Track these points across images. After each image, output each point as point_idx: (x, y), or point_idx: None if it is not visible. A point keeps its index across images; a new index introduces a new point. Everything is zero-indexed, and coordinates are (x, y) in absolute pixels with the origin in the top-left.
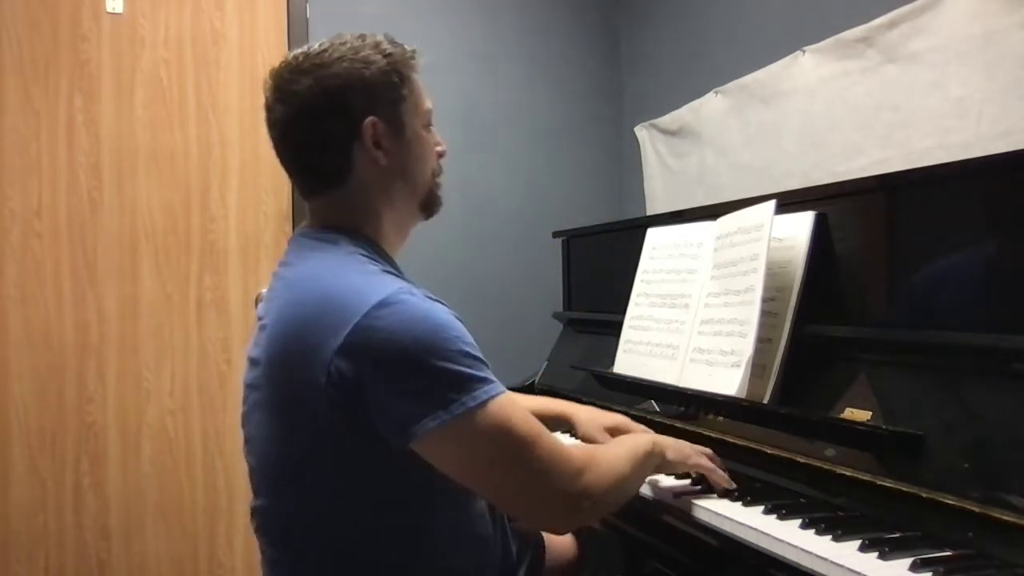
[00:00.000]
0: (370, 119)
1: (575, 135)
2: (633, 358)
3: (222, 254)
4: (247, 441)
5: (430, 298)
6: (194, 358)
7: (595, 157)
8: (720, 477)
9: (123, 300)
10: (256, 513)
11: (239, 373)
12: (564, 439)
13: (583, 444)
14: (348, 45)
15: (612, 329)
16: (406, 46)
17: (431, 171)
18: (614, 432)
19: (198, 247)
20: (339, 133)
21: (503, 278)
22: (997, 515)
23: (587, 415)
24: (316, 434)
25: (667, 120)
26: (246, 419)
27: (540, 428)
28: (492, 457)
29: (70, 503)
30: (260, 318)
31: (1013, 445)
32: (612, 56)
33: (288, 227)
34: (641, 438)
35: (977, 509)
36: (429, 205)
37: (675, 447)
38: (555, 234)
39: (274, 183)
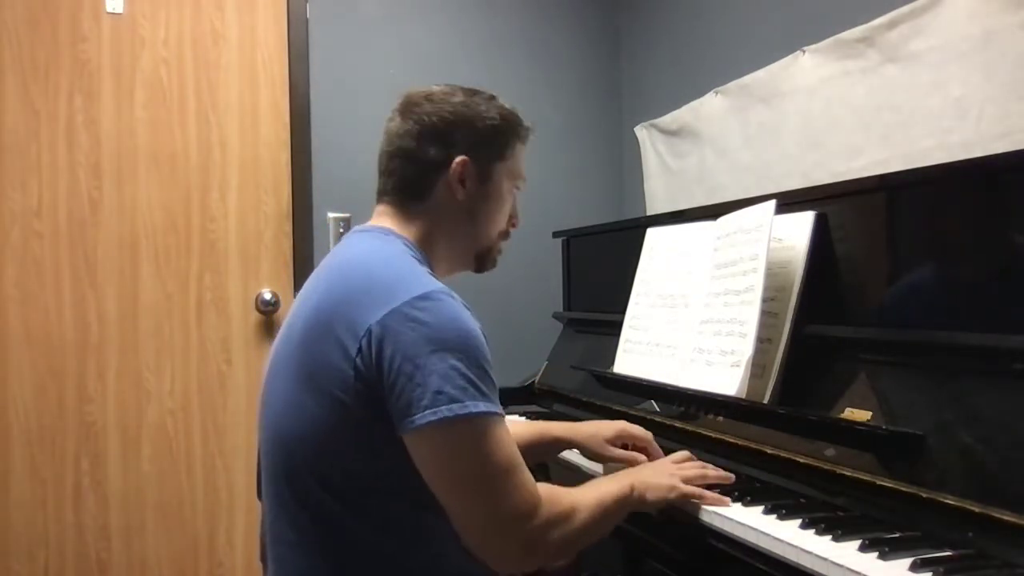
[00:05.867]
0: (463, 157)
1: (575, 135)
2: (633, 358)
3: (222, 254)
4: (263, 413)
5: (467, 309)
6: (194, 358)
7: (595, 157)
8: (712, 498)
9: (123, 300)
10: (264, 486)
11: (239, 373)
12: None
13: (555, 491)
14: (476, 96)
15: (612, 329)
16: (525, 121)
17: (499, 231)
18: (616, 440)
19: (198, 247)
20: (434, 157)
21: (503, 278)
22: (997, 515)
23: (587, 433)
24: (335, 408)
25: (667, 120)
26: (267, 389)
27: (520, 462)
28: (467, 470)
29: (70, 503)
30: (303, 296)
31: (1013, 445)
32: (612, 56)
33: (288, 227)
34: (620, 482)
35: (977, 509)
36: (483, 260)
37: (656, 485)
38: (555, 234)
39: (274, 183)
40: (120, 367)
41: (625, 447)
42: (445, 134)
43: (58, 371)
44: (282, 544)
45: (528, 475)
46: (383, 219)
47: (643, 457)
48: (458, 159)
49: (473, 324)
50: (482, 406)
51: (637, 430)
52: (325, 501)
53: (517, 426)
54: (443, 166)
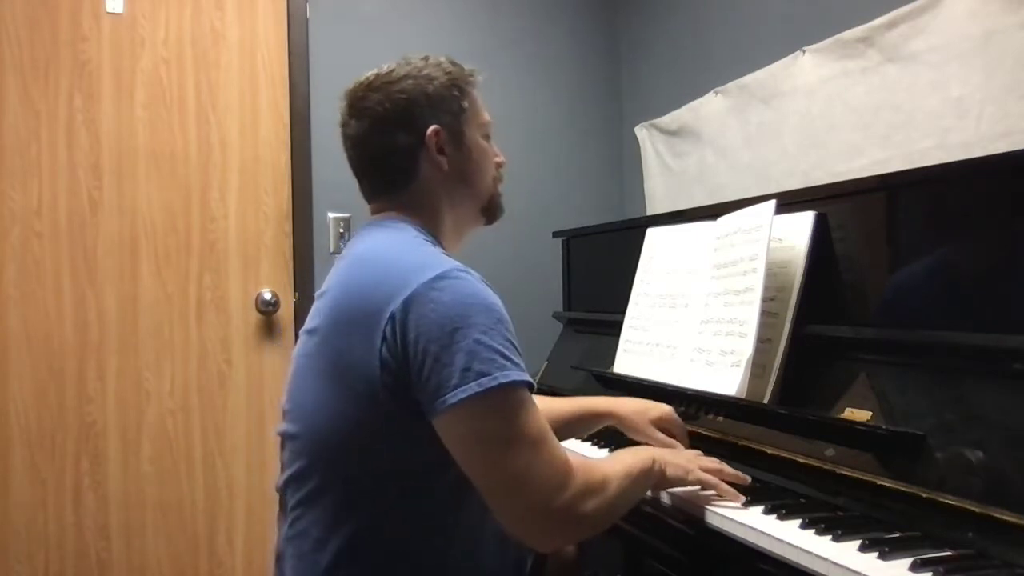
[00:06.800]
0: (433, 128)
1: (575, 135)
2: (633, 358)
3: (222, 254)
4: (289, 411)
5: (485, 284)
6: (194, 358)
7: (595, 157)
8: (727, 491)
9: (123, 300)
10: (290, 483)
11: (239, 373)
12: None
13: (585, 461)
14: (413, 65)
15: (612, 329)
16: (465, 66)
17: (491, 178)
18: (659, 423)
19: (198, 247)
20: (406, 142)
21: (503, 278)
22: (997, 515)
23: (632, 409)
24: (365, 402)
25: (667, 120)
26: (292, 390)
27: (550, 432)
28: (499, 441)
29: (70, 503)
30: (321, 294)
31: (1013, 445)
32: (612, 56)
33: (288, 227)
34: (641, 455)
35: (977, 509)
36: (491, 210)
37: (675, 463)
38: (555, 234)
39: (274, 183)
40: (120, 367)
41: (664, 433)
42: (405, 115)
43: (58, 371)
44: (305, 540)
45: (558, 445)
46: (384, 214)
47: (679, 445)
48: (429, 132)
49: (493, 297)
50: (512, 375)
51: (679, 420)
52: (352, 497)
53: (556, 402)
54: (417, 145)
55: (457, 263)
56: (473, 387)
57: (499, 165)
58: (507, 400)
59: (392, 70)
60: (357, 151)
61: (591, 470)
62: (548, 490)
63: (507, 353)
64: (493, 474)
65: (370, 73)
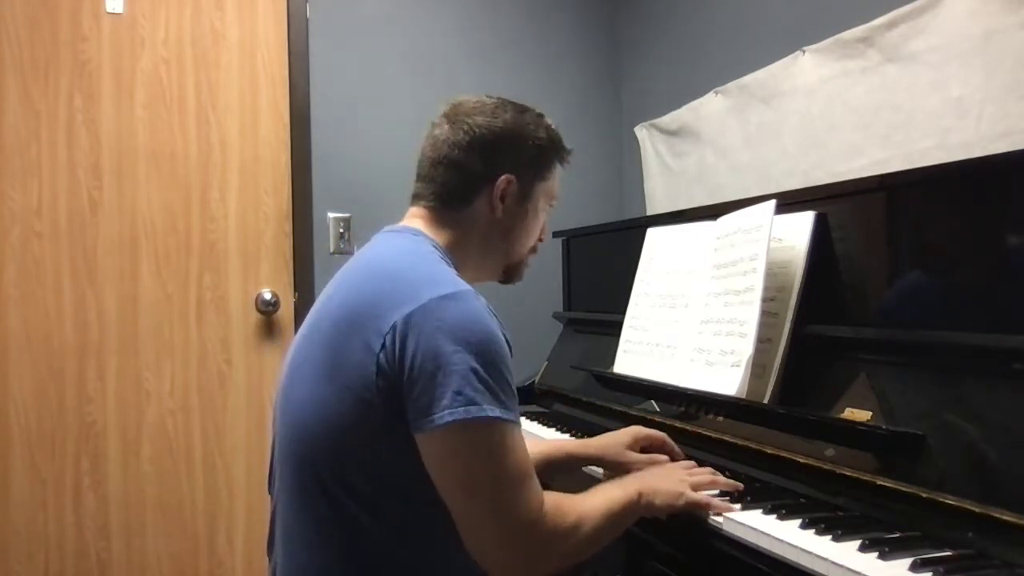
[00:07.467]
0: (509, 175)
1: (575, 135)
2: (633, 358)
3: (222, 254)
4: (283, 409)
5: (493, 314)
6: (194, 358)
7: (595, 157)
8: (719, 507)
9: (123, 300)
10: (282, 483)
11: (239, 373)
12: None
13: (561, 502)
14: (525, 114)
15: (612, 329)
16: (566, 144)
17: (529, 247)
18: (634, 446)
19: (198, 247)
20: (479, 171)
21: None
22: (997, 515)
23: (605, 444)
24: (361, 405)
25: (667, 120)
26: (287, 389)
27: (530, 472)
28: (476, 474)
29: (70, 503)
30: (325, 294)
31: (1013, 445)
32: (612, 56)
33: (288, 227)
34: (627, 488)
35: (977, 509)
36: (511, 273)
37: (664, 490)
38: (555, 234)
39: (274, 183)
40: (120, 367)
41: (642, 450)
42: (494, 149)
43: (58, 371)
44: (295, 541)
45: (535, 487)
46: (415, 221)
47: (664, 457)
48: (504, 177)
49: (496, 328)
50: (497, 411)
51: (651, 432)
52: (344, 499)
53: (536, 443)
54: (487, 180)
55: (468, 286)
56: (460, 412)
57: (541, 240)
58: (490, 435)
59: (506, 107)
60: (434, 152)
61: (563, 514)
62: (513, 531)
63: (496, 388)
64: (464, 505)
65: (488, 97)
